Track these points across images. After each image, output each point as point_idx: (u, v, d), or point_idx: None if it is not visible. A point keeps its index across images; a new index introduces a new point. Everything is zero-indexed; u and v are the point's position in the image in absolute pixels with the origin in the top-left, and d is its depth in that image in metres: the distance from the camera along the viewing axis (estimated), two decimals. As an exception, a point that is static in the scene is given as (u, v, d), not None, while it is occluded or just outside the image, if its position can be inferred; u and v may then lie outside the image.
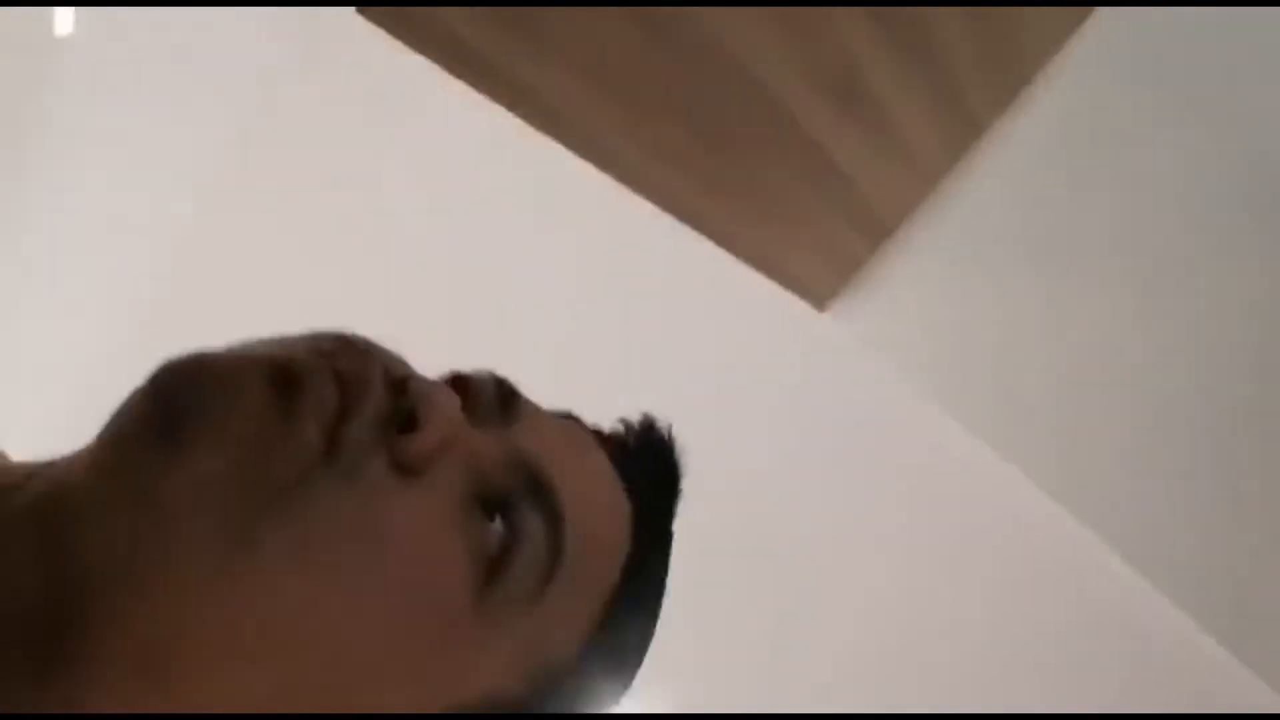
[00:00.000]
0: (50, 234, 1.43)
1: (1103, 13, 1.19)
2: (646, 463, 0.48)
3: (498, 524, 0.40)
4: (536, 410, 0.46)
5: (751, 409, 1.44)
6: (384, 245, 1.43)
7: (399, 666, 0.38)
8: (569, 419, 0.49)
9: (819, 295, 1.39)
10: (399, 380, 0.41)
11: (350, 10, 0.74)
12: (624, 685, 0.47)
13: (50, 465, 0.38)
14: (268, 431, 0.36)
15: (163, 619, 0.34)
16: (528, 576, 0.40)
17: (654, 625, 0.48)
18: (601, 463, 0.47)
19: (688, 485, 0.49)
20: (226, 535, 0.34)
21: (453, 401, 0.41)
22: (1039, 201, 1.24)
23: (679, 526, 0.50)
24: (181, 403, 0.36)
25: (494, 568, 0.39)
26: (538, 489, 0.42)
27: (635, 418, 0.50)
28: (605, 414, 0.51)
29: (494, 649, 0.40)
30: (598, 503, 0.45)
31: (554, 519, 0.41)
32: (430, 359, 0.45)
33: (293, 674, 0.36)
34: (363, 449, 0.37)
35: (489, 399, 0.45)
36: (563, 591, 0.41)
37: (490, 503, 0.40)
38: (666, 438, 0.50)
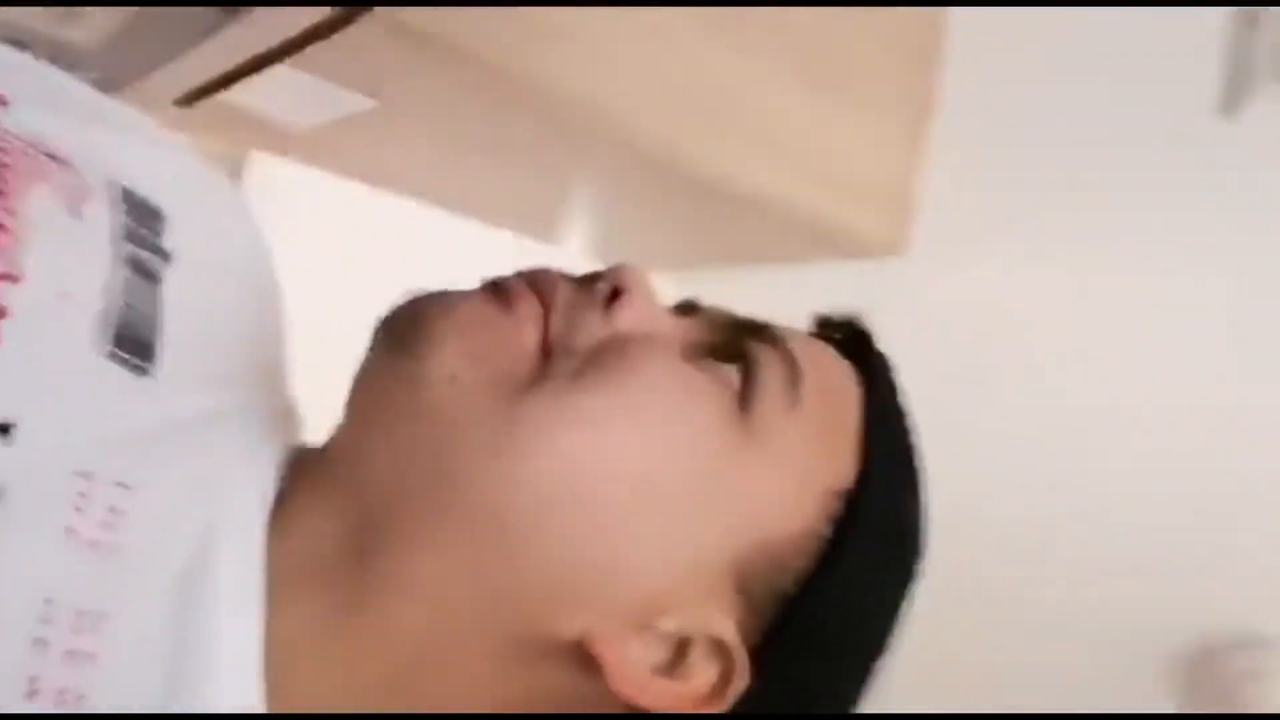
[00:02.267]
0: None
1: None
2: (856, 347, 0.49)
3: (730, 368, 0.43)
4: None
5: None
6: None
7: (696, 493, 0.40)
8: None
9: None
10: (591, 276, 0.45)
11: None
12: (915, 556, 0.46)
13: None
14: (494, 330, 0.42)
15: (462, 500, 0.39)
16: (775, 392, 0.42)
17: (917, 498, 0.47)
18: (799, 330, 0.49)
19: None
20: (490, 419, 0.39)
21: (642, 273, 0.45)
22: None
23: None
24: (410, 325, 0.41)
25: (742, 394, 0.42)
26: (756, 327, 0.45)
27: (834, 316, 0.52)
28: None
29: (766, 468, 0.41)
30: (809, 344, 0.46)
31: (778, 342, 0.44)
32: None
33: (606, 517, 0.39)
34: (576, 326, 0.42)
35: (680, 305, 0.49)
36: (816, 416, 0.43)
37: (718, 350, 0.44)
38: (866, 331, 0.50)
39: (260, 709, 0.36)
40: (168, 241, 0.45)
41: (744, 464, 0.41)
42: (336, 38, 0.83)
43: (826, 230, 1.33)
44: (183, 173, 0.50)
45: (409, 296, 0.43)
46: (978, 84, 1.39)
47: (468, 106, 0.97)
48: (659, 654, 0.40)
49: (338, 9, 0.79)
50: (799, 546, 0.42)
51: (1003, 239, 1.34)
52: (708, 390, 0.42)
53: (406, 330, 0.42)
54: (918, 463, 0.47)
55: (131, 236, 0.43)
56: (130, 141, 0.48)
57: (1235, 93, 1.08)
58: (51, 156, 0.43)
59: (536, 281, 0.44)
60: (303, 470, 0.43)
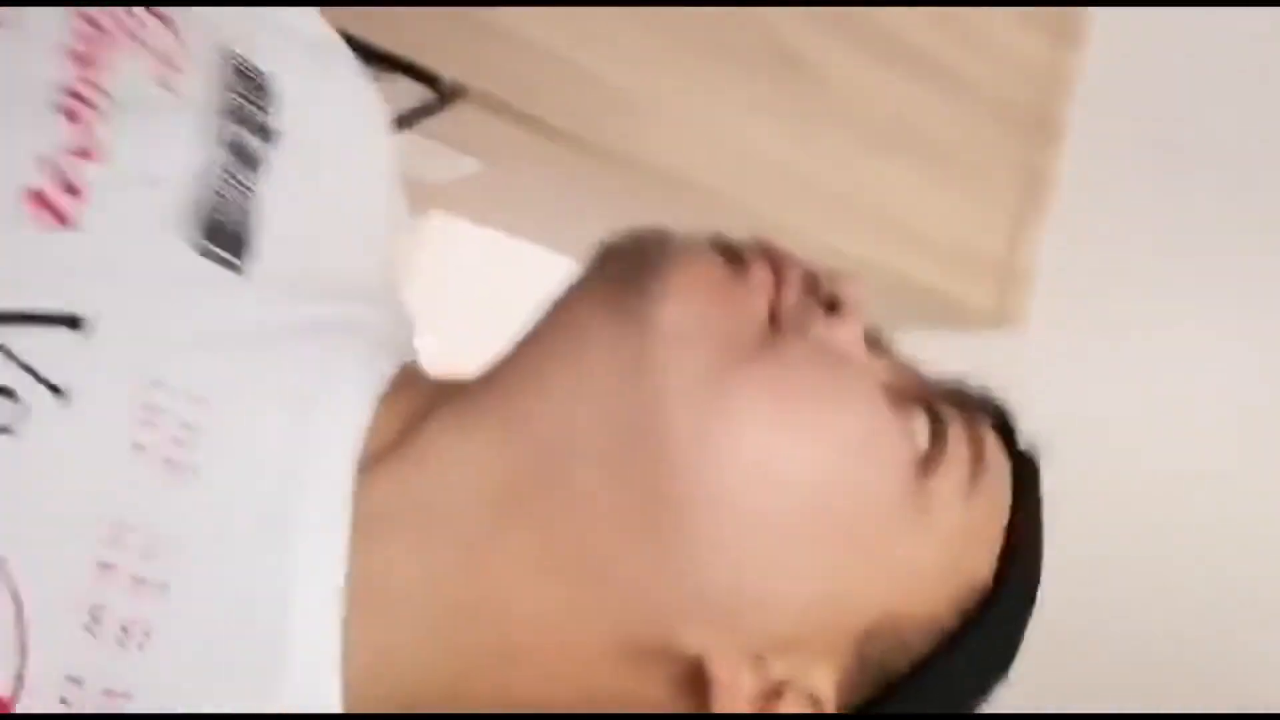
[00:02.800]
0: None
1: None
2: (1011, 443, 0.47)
3: (922, 424, 0.41)
4: None
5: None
6: None
7: (859, 541, 0.39)
8: None
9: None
10: (813, 274, 0.42)
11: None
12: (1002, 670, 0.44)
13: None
14: (727, 291, 0.39)
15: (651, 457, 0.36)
16: (959, 470, 0.40)
17: (1031, 614, 0.45)
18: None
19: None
20: (707, 381, 0.37)
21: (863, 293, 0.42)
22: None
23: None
24: (642, 262, 0.39)
25: (927, 459, 0.40)
26: (950, 391, 0.43)
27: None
28: None
29: (926, 542, 0.40)
30: (994, 441, 0.44)
31: (972, 425, 0.42)
32: None
33: (774, 534, 0.37)
34: (803, 315, 0.40)
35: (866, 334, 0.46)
36: (981, 509, 0.42)
37: (912, 402, 0.41)
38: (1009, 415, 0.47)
39: (336, 659, 0.33)
40: (276, 120, 0.41)
41: (907, 532, 0.39)
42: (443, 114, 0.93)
43: (933, 298, 1.34)
44: (302, 44, 0.46)
45: (635, 233, 0.40)
46: (1099, 156, 1.38)
47: (564, 171, 1.05)
48: (759, 688, 0.39)
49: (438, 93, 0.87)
50: (925, 631, 0.41)
51: (1120, 310, 1.32)
52: (898, 443, 0.40)
53: (639, 264, 0.38)
54: (1039, 578, 0.45)
55: (235, 114, 0.39)
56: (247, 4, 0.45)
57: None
58: (158, 16, 0.40)
59: (769, 252, 0.41)
60: (434, 395, 0.39)
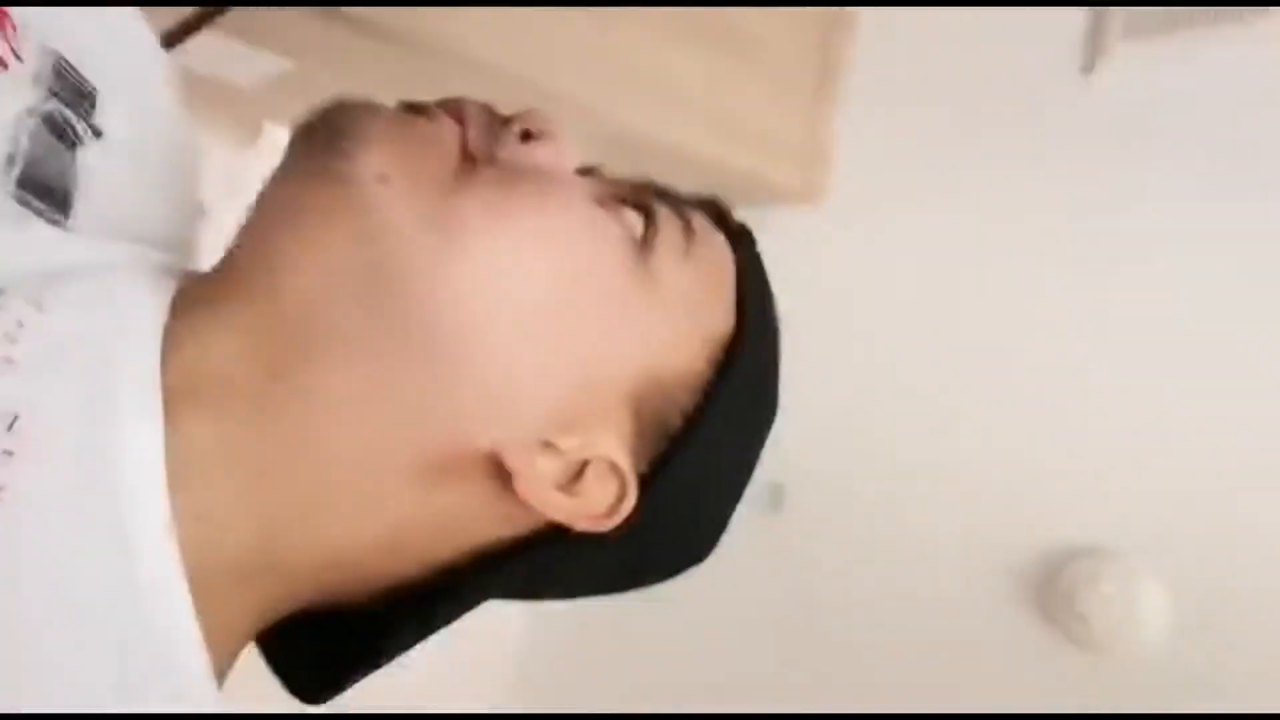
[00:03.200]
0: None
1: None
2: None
3: (632, 214, 0.45)
4: None
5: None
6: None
7: (601, 320, 0.43)
8: None
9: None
10: (501, 115, 0.46)
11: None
12: (768, 412, 0.50)
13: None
14: (417, 135, 0.42)
15: (394, 298, 0.39)
16: (672, 242, 0.45)
17: (778, 355, 0.50)
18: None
19: None
20: (424, 215, 0.40)
21: (556, 120, 0.46)
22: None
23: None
24: (333, 127, 0.42)
25: (644, 240, 0.45)
26: (646, 184, 0.48)
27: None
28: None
29: (660, 308, 0.44)
30: (702, 218, 0.49)
31: (679, 209, 0.46)
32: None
33: (523, 331, 0.41)
34: (494, 143, 0.44)
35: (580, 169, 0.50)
36: (703, 270, 0.46)
37: (619, 200, 0.45)
38: (726, 208, 0.53)
39: (169, 520, 0.36)
40: (98, 118, 0.46)
41: (642, 301, 0.44)
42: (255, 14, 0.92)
43: (742, 179, 1.42)
44: (124, 48, 0.50)
45: (321, 106, 0.43)
46: (888, 44, 1.48)
47: (376, 69, 1.07)
48: (560, 471, 0.42)
49: None
50: (686, 384, 0.45)
51: (908, 192, 1.44)
52: (614, 231, 0.44)
53: (329, 133, 0.42)
54: (779, 324, 0.50)
55: (57, 99, 0.44)
56: (78, 11, 0.48)
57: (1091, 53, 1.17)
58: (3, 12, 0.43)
59: (450, 103, 0.45)
60: (199, 286, 0.42)
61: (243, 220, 0.43)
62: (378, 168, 0.40)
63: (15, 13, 0.44)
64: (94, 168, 0.44)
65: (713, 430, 0.45)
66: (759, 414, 0.49)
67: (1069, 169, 1.24)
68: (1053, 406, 1.21)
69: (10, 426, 0.34)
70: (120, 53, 0.49)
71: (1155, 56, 1.15)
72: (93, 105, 0.46)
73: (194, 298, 0.41)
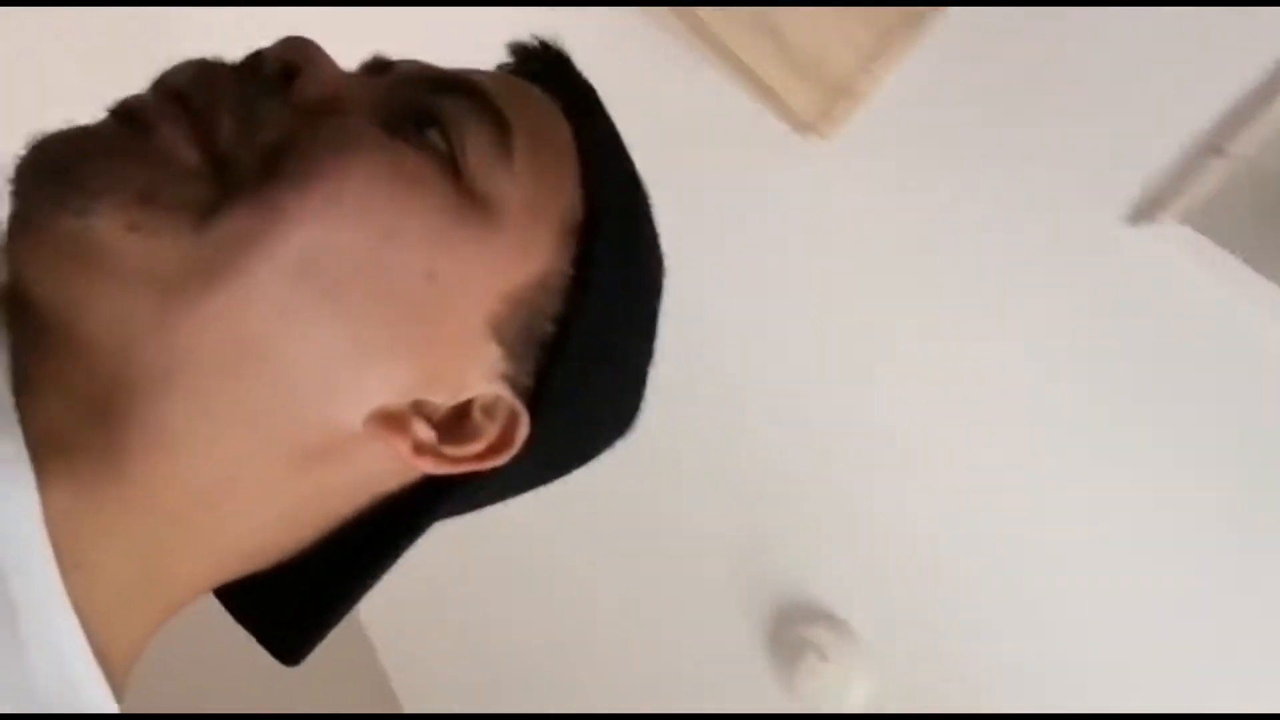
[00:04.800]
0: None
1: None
2: (550, 71, 0.47)
3: (433, 132, 0.41)
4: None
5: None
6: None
7: (432, 261, 0.40)
8: None
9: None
10: (252, 59, 0.41)
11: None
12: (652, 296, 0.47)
13: None
14: (147, 156, 0.38)
15: (203, 335, 0.37)
16: (485, 149, 0.41)
17: (647, 214, 0.47)
18: (500, 74, 0.46)
19: None
20: (194, 253, 0.37)
21: (312, 43, 0.41)
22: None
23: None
24: (57, 176, 0.37)
25: (451, 158, 0.40)
26: (449, 82, 0.43)
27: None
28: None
29: (495, 223, 0.41)
30: (510, 88, 0.44)
31: (476, 94, 0.42)
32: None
33: (346, 310, 0.38)
34: (252, 114, 0.39)
35: (368, 65, 0.45)
36: (534, 157, 0.42)
37: (414, 118, 0.41)
38: (558, 52, 0.48)
39: (56, 578, 0.36)
40: None
41: (470, 230, 0.41)
42: None
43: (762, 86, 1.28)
44: None
45: (35, 141, 0.39)
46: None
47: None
48: (445, 422, 0.42)
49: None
50: (547, 289, 0.42)
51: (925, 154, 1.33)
52: (419, 163, 0.40)
53: (55, 182, 0.38)
54: (638, 180, 0.46)
55: None
56: None
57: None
58: None
59: (179, 89, 0.40)
60: (19, 327, 0.40)
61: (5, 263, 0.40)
62: (122, 218, 0.37)
63: None
64: None
65: (589, 321, 0.43)
66: (640, 278, 0.47)
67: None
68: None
69: None
70: None
71: None
72: None
73: (26, 342, 0.39)
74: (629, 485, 1.43)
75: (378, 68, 0.44)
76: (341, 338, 0.39)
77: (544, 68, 0.46)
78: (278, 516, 0.42)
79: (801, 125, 1.35)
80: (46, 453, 0.37)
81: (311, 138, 0.39)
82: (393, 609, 1.65)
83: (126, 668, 0.40)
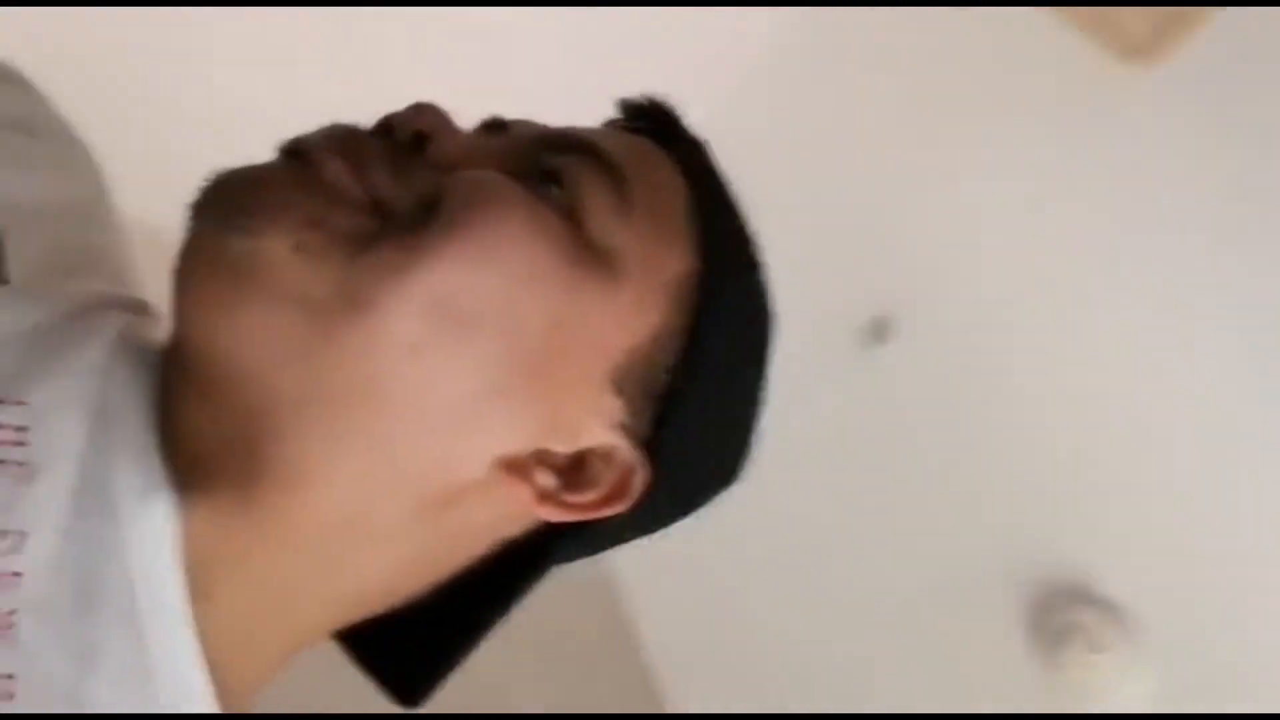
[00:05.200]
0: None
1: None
2: (663, 128, 0.48)
3: (555, 189, 0.42)
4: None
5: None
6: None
7: (556, 314, 0.41)
8: None
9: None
10: (384, 124, 0.43)
11: None
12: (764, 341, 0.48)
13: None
14: (313, 186, 0.40)
15: (339, 375, 0.39)
16: (604, 204, 0.42)
17: (757, 269, 0.48)
18: (614, 131, 0.48)
19: None
20: (348, 279, 0.39)
21: (439, 108, 0.44)
22: None
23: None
24: (232, 203, 0.40)
25: (572, 214, 0.42)
26: (564, 141, 0.44)
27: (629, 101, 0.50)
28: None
29: (613, 279, 0.42)
30: (626, 145, 0.45)
31: (594, 153, 0.43)
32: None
33: (478, 355, 0.40)
34: (402, 169, 0.41)
35: (486, 124, 0.47)
36: (648, 211, 0.43)
37: (537, 176, 0.43)
38: (667, 109, 0.49)
39: (187, 613, 0.38)
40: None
41: (591, 284, 0.42)
42: None
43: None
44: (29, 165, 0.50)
45: (214, 176, 0.41)
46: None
47: None
48: (562, 473, 0.43)
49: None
50: (661, 341, 0.43)
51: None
52: (548, 220, 0.41)
53: (228, 210, 0.40)
54: (751, 235, 0.47)
55: None
56: None
57: None
58: None
59: (336, 140, 0.42)
60: (171, 366, 0.42)
61: (171, 299, 0.42)
62: (290, 240, 0.39)
63: None
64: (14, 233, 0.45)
65: (702, 373, 0.44)
66: (750, 332, 0.47)
67: None
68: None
69: (16, 547, 0.37)
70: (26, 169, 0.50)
71: None
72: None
73: (172, 366, 0.42)
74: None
75: (495, 127, 0.46)
76: (468, 377, 0.40)
77: (653, 124, 0.47)
78: (404, 559, 0.43)
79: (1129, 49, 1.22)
80: (186, 480, 0.39)
81: (461, 188, 0.41)
82: (663, 608, 1.65)
83: (243, 705, 0.41)
